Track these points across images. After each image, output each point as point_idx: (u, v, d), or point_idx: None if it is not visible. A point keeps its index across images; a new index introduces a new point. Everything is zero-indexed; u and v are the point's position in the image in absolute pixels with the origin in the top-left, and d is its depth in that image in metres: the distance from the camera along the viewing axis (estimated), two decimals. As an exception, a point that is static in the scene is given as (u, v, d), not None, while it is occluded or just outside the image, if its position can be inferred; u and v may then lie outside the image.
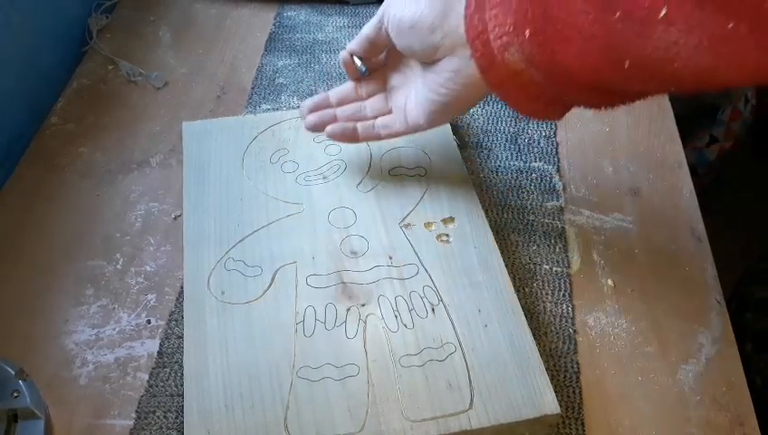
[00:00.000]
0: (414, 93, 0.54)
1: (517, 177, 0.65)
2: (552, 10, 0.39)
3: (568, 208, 0.63)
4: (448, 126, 0.64)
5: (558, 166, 0.67)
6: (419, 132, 0.55)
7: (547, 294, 0.57)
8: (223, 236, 0.55)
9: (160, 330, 0.55)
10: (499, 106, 0.72)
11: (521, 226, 0.61)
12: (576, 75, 0.40)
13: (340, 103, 0.58)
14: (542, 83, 0.43)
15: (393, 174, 0.60)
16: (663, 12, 0.34)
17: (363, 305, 0.51)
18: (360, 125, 0.56)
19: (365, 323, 0.50)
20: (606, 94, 0.42)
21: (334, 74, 0.76)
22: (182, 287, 0.56)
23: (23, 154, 0.68)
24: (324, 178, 0.60)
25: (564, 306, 0.56)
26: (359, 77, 0.58)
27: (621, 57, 0.37)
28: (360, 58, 0.56)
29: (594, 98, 0.43)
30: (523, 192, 0.64)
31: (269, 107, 0.72)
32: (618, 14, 0.36)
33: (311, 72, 0.76)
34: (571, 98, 0.45)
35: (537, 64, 0.41)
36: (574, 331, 0.55)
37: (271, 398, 0.46)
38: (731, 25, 0.33)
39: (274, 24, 0.83)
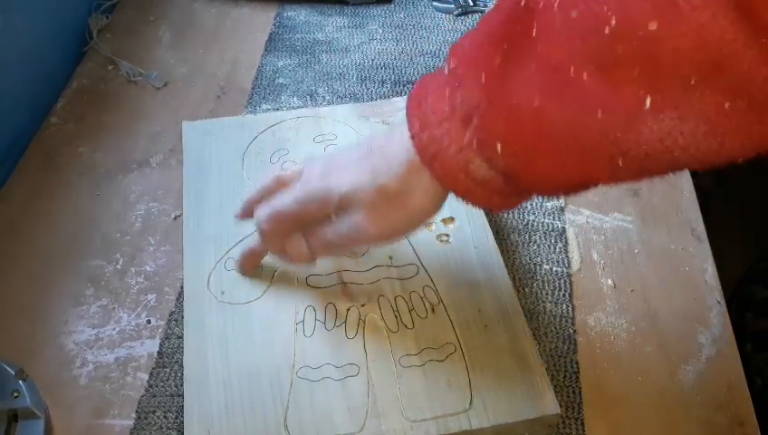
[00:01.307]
0: None
1: (517, 177, 0.65)
2: (522, 122, 0.36)
3: (568, 208, 0.63)
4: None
5: (558, 166, 0.66)
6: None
7: (547, 294, 0.57)
8: (223, 236, 0.55)
9: (160, 330, 0.55)
10: (499, 106, 0.72)
11: (521, 226, 0.61)
12: (559, 180, 0.37)
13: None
14: (516, 185, 0.39)
15: (393, 174, 0.60)
16: (647, 102, 0.31)
17: (363, 305, 0.51)
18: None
19: (365, 323, 0.50)
20: (591, 187, 0.38)
21: (334, 74, 0.76)
22: (182, 287, 0.56)
23: (23, 154, 0.68)
24: (324, 178, 0.60)
25: (564, 306, 0.56)
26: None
27: (612, 157, 0.34)
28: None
29: (577, 191, 0.39)
30: (523, 192, 0.64)
31: (269, 107, 0.72)
32: (599, 113, 0.33)
33: (311, 72, 0.76)
34: (550, 194, 0.43)
35: (511, 175, 0.38)
36: (574, 331, 0.55)
37: (271, 398, 0.46)
38: (727, 105, 0.30)
39: (274, 24, 0.83)
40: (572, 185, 0.38)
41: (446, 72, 0.39)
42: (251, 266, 0.53)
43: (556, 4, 0.33)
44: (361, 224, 0.43)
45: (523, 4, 0.35)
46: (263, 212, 0.48)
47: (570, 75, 0.33)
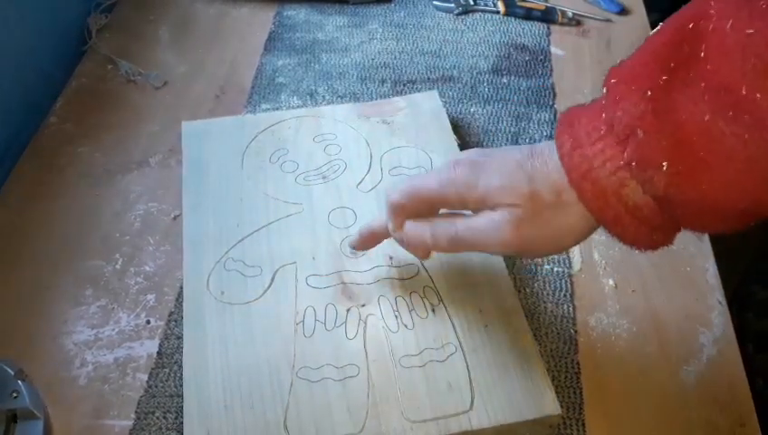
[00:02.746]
0: None
1: (518, 176, 0.65)
2: (691, 138, 0.34)
3: (569, 208, 0.63)
4: (449, 125, 0.64)
5: (558, 166, 0.66)
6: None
7: (548, 294, 0.57)
8: (222, 235, 0.55)
9: (160, 330, 0.54)
10: (499, 106, 0.72)
11: (521, 226, 0.61)
12: (723, 205, 0.35)
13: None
14: (669, 214, 0.37)
15: (393, 174, 0.60)
16: None
17: (363, 306, 0.51)
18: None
19: (365, 323, 0.50)
20: (747, 219, 0.36)
21: (334, 74, 0.76)
22: (181, 287, 0.56)
23: (22, 154, 0.67)
24: (324, 177, 0.60)
25: (565, 307, 0.56)
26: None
27: None
28: None
29: (734, 224, 0.37)
30: (523, 192, 0.64)
31: (268, 106, 0.72)
32: None
33: (310, 72, 0.76)
34: (702, 227, 0.39)
35: (671, 199, 0.36)
36: (575, 331, 0.55)
37: (271, 398, 0.46)
38: None
39: (274, 24, 0.83)
40: (733, 214, 0.35)
41: (604, 91, 0.38)
42: (366, 247, 0.52)
43: (729, 25, 0.32)
44: (501, 226, 0.40)
45: (691, 26, 0.34)
46: (400, 187, 0.45)
47: (741, 94, 0.32)
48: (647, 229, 0.38)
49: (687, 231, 0.39)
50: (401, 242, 0.47)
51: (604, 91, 0.38)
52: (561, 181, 0.39)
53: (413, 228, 0.45)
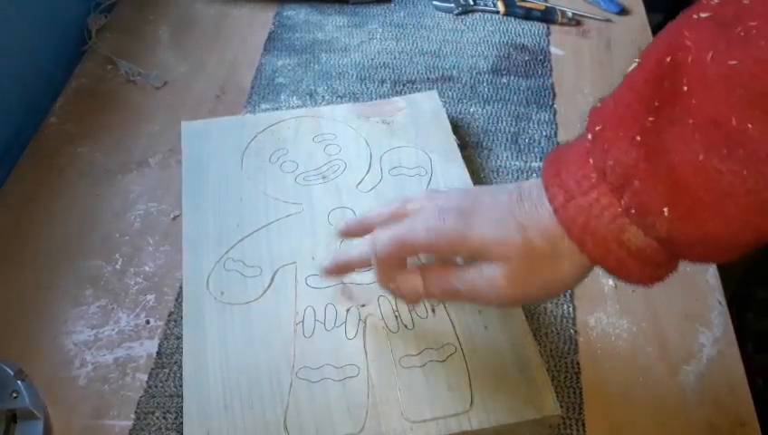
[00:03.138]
0: None
1: (518, 177, 0.65)
2: (684, 179, 0.33)
3: (568, 208, 0.63)
4: (448, 125, 0.64)
5: (558, 166, 0.66)
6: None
7: (548, 294, 0.57)
8: (222, 236, 0.55)
9: (159, 330, 0.54)
10: (499, 106, 0.72)
11: (521, 226, 0.61)
12: (728, 241, 0.34)
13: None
14: (672, 252, 0.37)
15: (393, 174, 0.60)
16: None
17: (363, 306, 0.51)
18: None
19: (365, 323, 0.50)
20: (748, 248, 0.36)
21: (334, 74, 0.76)
22: (181, 288, 0.56)
23: (21, 154, 0.67)
24: (324, 177, 0.60)
25: (565, 307, 0.56)
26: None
27: None
28: None
29: (739, 254, 0.36)
30: (523, 192, 0.64)
31: (268, 106, 0.72)
32: None
33: (310, 72, 0.76)
34: (708, 260, 0.38)
35: (674, 240, 0.35)
36: (575, 331, 0.55)
37: (270, 398, 0.46)
38: None
39: (274, 24, 0.83)
40: (739, 246, 0.35)
41: (589, 137, 0.37)
42: (338, 275, 0.50)
43: (709, 56, 0.32)
44: (496, 280, 0.39)
45: (669, 60, 0.33)
46: (384, 235, 0.43)
47: (731, 126, 0.31)
48: (651, 268, 0.37)
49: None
50: (391, 292, 0.46)
51: (589, 136, 0.37)
52: (554, 229, 0.38)
53: (405, 282, 0.44)
